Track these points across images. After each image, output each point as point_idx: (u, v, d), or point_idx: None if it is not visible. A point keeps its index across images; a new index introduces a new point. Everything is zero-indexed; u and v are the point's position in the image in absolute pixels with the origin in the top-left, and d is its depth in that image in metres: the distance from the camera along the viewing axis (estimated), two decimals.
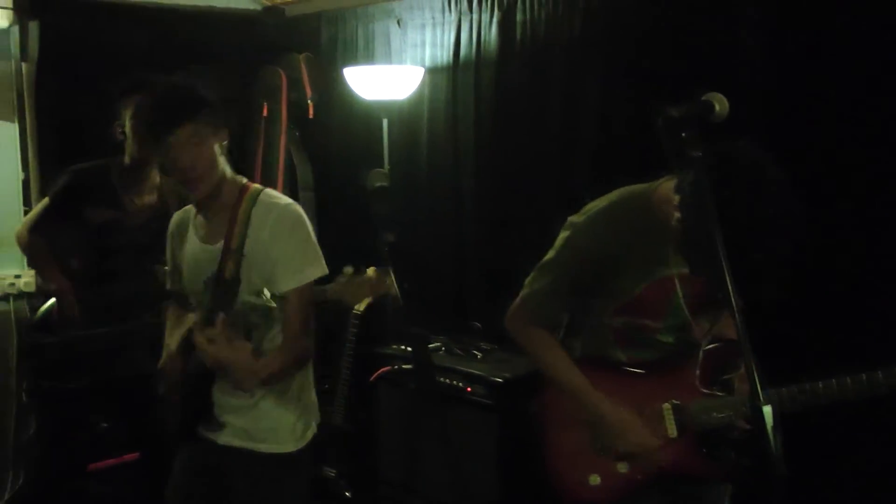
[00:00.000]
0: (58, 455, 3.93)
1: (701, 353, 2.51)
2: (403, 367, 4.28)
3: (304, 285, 2.49)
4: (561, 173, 4.14)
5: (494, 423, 3.92)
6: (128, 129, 3.62)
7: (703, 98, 1.86)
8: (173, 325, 2.79)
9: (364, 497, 4.44)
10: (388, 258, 2.41)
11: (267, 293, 2.39)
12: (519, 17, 4.26)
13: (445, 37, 4.64)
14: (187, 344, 2.59)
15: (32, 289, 4.87)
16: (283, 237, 2.49)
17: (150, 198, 3.84)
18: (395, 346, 4.43)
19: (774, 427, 1.65)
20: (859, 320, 3.12)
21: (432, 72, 4.72)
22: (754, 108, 3.27)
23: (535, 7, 4.18)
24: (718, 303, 1.85)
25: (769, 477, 1.67)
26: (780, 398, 2.28)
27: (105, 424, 3.11)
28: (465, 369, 4.07)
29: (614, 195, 2.52)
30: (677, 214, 2.21)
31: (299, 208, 2.56)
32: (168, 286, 2.85)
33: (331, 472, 4.41)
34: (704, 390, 2.51)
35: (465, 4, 4.51)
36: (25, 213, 4.66)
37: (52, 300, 3.91)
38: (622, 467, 2.55)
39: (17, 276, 4.85)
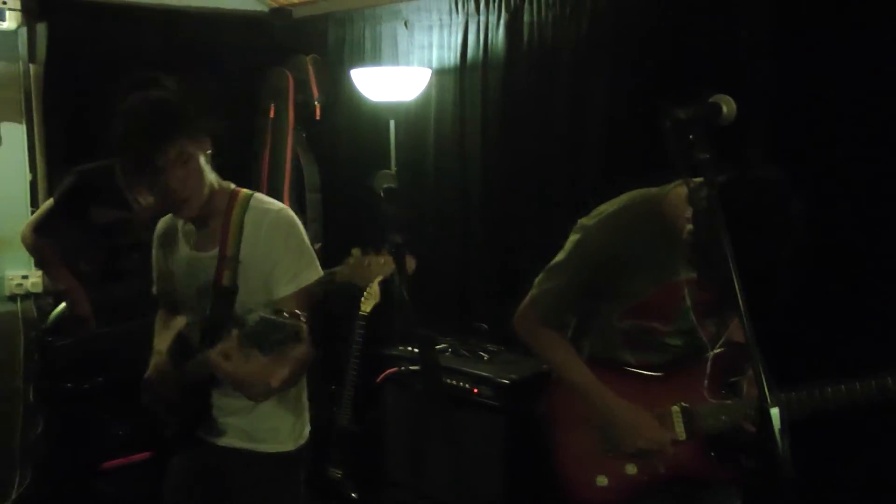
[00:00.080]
0: (67, 455, 3.94)
1: (709, 357, 2.52)
2: (410, 368, 4.29)
3: (301, 289, 2.49)
4: (568, 175, 4.14)
5: (500, 425, 3.92)
6: None
7: (711, 100, 1.86)
8: (161, 328, 2.77)
9: (370, 498, 4.44)
10: (396, 260, 2.40)
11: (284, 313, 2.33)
12: (526, 18, 4.26)
13: (453, 38, 4.64)
14: (178, 346, 2.59)
15: (40, 289, 4.88)
16: (278, 243, 2.48)
17: None
18: (401, 348, 4.43)
19: (782, 429, 1.65)
20: (869, 325, 3.12)
21: (439, 73, 4.72)
22: (762, 110, 3.27)
23: (543, 9, 4.18)
24: (726, 307, 1.85)
25: (777, 479, 1.66)
26: (789, 402, 2.28)
27: (121, 432, 3.11)
28: (472, 371, 4.07)
29: (625, 199, 2.51)
30: (689, 227, 2.22)
31: (292, 213, 2.55)
32: (154, 292, 2.83)
33: (337, 473, 4.41)
34: (712, 394, 2.51)
35: (472, 6, 4.51)
36: (33, 213, 4.67)
37: (64, 304, 3.92)
38: (630, 469, 2.55)
39: (25, 277, 4.87)
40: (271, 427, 2.61)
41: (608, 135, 3.93)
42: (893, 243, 3.08)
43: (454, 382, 4.08)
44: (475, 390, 4.02)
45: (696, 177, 1.85)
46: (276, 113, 5.30)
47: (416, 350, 4.30)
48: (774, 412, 1.64)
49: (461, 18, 4.58)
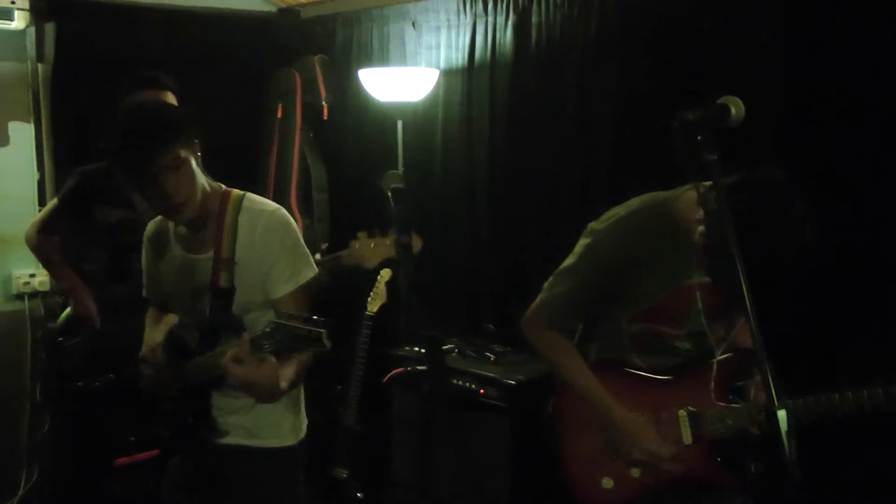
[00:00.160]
0: (77, 454, 3.95)
1: (716, 361, 2.51)
2: (416, 368, 4.28)
3: (298, 287, 2.50)
4: (576, 176, 4.13)
5: (506, 426, 3.92)
6: None
7: (719, 101, 1.86)
8: (153, 323, 2.77)
9: (375, 498, 4.44)
10: (403, 259, 2.40)
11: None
12: (534, 19, 4.25)
13: (460, 39, 4.64)
14: (172, 345, 2.58)
15: (47, 288, 4.90)
16: (274, 244, 2.48)
17: None
18: (408, 348, 4.43)
19: (789, 433, 1.65)
20: (869, 325, 3.11)
21: (447, 74, 4.71)
22: (771, 111, 3.27)
23: (551, 9, 4.17)
24: (735, 311, 1.85)
25: (783, 482, 1.66)
26: (796, 408, 2.27)
27: (132, 438, 3.11)
28: (478, 371, 4.07)
29: (636, 202, 2.51)
30: (701, 228, 2.21)
31: (286, 212, 2.55)
32: (144, 294, 2.83)
33: (342, 473, 4.41)
34: (720, 398, 2.50)
35: (480, 7, 4.50)
36: (40, 212, 4.68)
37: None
38: (635, 472, 2.55)
39: (32, 275, 4.88)
40: (272, 423, 2.63)
41: (616, 135, 3.92)
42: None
43: (460, 383, 4.08)
44: (481, 391, 4.01)
45: (703, 178, 1.84)
46: (283, 113, 5.31)
47: (422, 350, 4.31)
48: (782, 415, 1.64)
49: (469, 19, 4.58)
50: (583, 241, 2.57)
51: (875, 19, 3.06)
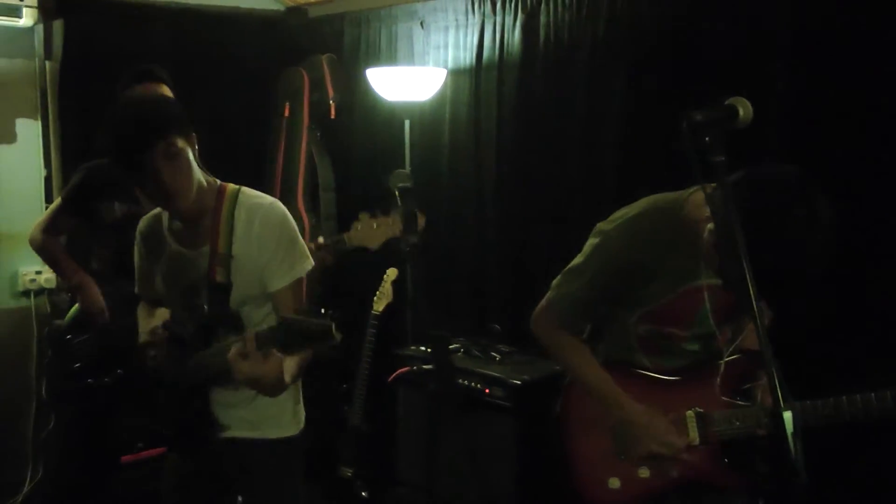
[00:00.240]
0: (84, 451, 3.95)
1: (724, 363, 2.50)
2: (422, 367, 4.28)
3: (295, 280, 2.52)
4: (584, 176, 4.12)
5: (512, 426, 3.92)
6: None
7: (728, 102, 1.85)
8: (146, 316, 2.78)
9: (380, 497, 4.44)
10: (411, 258, 2.41)
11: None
12: (542, 19, 4.25)
13: (468, 39, 4.64)
14: (169, 338, 2.58)
15: (53, 285, 4.90)
16: (271, 238, 2.49)
17: None
18: (413, 347, 4.43)
19: (795, 434, 1.64)
20: (870, 325, 3.10)
21: (455, 73, 4.71)
22: (780, 112, 3.26)
23: (559, 9, 4.17)
24: (743, 312, 1.84)
25: (789, 483, 1.66)
26: (803, 410, 2.27)
27: (140, 444, 3.11)
28: (484, 371, 4.07)
29: (644, 203, 2.50)
30: (710, 226, 2.21)
31: (282, 206, 2.56)
32: (136, 290, 2.83)
33: (348, 472, 4.42)
34: (727, 399, 2.49)
35: (488, 7, 4.50)
36: (47, 208, 4.69)
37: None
38: (642, 472, 2.54)
39: (38, 273, 4.88)
40: (274, 414, 2.65)
41: (624, 135, 3.92)
42: None
43: (466, 383, 4.08)
44: (487, 391, 4.01)
45: (711, 179, 1.84)
46: (291, 112, 5.31)
47: (428, 350, 4.30)
48: (787, 416, 1.64)
49: (477, 19, 4.57)
50: (591, 241, 2.56)
51: (884, 20, 3.05)
